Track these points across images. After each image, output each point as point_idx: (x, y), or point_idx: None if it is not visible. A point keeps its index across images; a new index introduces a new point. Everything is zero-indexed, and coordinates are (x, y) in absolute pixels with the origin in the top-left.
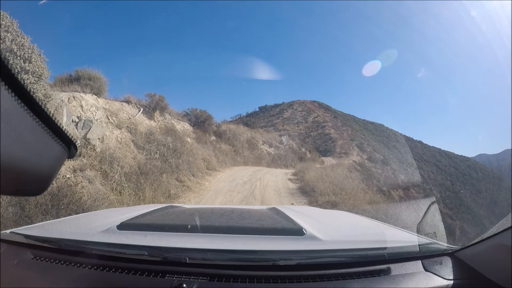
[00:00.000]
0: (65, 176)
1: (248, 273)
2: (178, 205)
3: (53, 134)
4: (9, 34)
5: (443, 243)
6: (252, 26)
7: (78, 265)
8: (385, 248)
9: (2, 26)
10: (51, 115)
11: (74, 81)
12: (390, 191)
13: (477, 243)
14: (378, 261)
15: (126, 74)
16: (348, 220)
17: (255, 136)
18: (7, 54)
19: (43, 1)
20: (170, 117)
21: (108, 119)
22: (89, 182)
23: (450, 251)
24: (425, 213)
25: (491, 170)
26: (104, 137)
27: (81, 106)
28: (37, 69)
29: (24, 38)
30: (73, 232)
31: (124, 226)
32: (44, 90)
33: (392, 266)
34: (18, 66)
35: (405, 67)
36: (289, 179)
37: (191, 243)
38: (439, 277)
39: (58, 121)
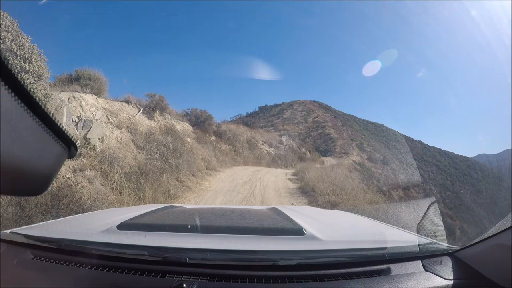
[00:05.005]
0: (65, 176)
1: (248, 273)
2: (178, 205)
3: (53, 134)
4: (9, 34)
5: (443, 243)
6: (252, 26)
7: (78, 265)
8: (385, 248)
9: (2, 26)
10: (51, 115)
11: (74, 81)
12: (390, 191)
13: (477, 243)
14: (378, 261)
15: (126, 74)
16: (348, 220)
17: (255, 136)
18: (7, 54)
19: (43, 1)
20: (170, 117)
21: (108, 119)
22: (89, 182)
23: (450, 251)
24: (425, 213)
25: (491, 170)
26: (104, 137)
27: (81, 106)
28: (37, 69)
29: (24, 38)
30: (73, 232)
31: (124, 226)
32: (44, 90)
33: (392, 266)
34: (18, 66)
35: (405, 67)
36: (289, 179)
37: (191, 243)
38: (439, 277)
39: (58, 121)
